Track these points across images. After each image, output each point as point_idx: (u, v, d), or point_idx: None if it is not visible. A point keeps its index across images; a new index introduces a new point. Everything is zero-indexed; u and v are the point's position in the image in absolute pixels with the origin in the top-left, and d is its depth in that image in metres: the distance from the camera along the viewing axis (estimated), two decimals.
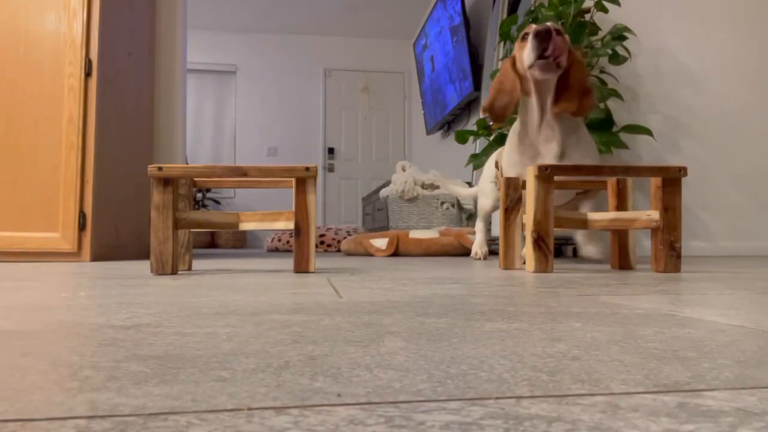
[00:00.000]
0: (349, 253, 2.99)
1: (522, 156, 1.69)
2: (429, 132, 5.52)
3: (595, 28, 2.69)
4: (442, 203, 3.64)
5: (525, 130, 1.68)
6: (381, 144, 6.61)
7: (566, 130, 1.66)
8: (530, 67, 1.57)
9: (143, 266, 1.57)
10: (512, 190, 1.43)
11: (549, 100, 1.64)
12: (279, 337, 0.42)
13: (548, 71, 1.57)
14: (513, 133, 1.74)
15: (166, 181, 1.22)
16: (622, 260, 1.45)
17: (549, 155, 1.65)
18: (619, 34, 2.67)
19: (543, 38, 1.53)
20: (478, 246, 2.27)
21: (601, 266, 1.61)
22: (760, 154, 3.14)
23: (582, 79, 1.63)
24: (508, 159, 1.74)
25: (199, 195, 6.17)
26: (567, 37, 1.62)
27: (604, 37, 2.71)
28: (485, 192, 2.24)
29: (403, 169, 3.78)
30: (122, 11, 2.31)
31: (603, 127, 2.59)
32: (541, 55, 1.54)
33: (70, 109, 2.00)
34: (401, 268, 1.45)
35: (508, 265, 1.42)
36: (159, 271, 1.19)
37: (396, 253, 2.80)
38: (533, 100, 1.65)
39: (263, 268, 1.48)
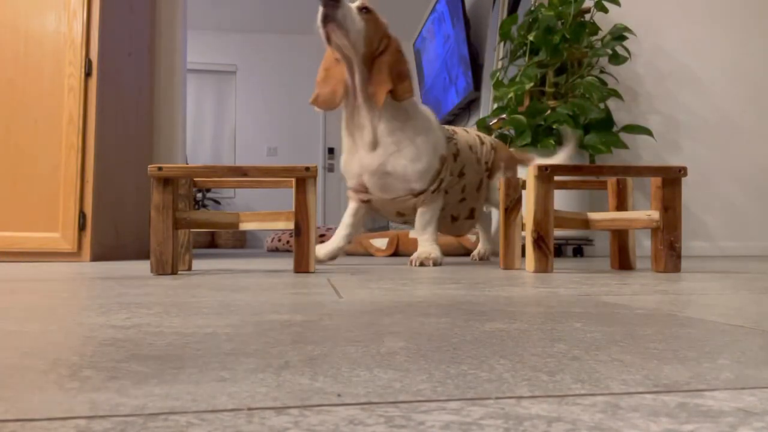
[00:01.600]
0: (349, 253, 2.99)
1: (349, 143, 1.65)
2: None
3: (595, 28, 2.69)
4: None
5: (346, 115, 1.63)
6: None
7: (387, 118, 1.59)
8: (325, 36, 1.50)
9: (143, 266, 1.57)
10: (512, 190, 1.43)
11: (358, 81, 1.56)
12: (279, 337, 0.42)
13: (334, 36, 1.48)
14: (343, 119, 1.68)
15: (166, 181, 1.22)
16: (622, 260, 1.45)
17: (361, 142, 1.60)
18: (619, 34, 2.67)
19: (326, 2, 1.45)
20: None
21: (601, 266, 1.61)
22: (760, 154, 3.14)
23: (396, 62, 1.58)
24: (343, 147, 1.69)
25: (199, 195, 6.17)
26: (381, 17, 1.58)
27: (604, 37, 2.71)
28: None
29: None
30: (122, 11, 2.31)
31: (603, 127, 2.59)
32: (325, 18, 1.47)
33: (70, 109, 2.00)
34: (401, 268, 1.45)
35: (508, 265, 1.42)
36: (159, 271, 1.19)
37: (396, 253, 2.80)
38: (347, 81, 1.58)
39: (263, 268, 1.48)
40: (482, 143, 1.91)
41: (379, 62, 1.57)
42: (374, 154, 1.60)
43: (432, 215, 1.68)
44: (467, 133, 1.88)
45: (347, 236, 1.70)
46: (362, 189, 1.67)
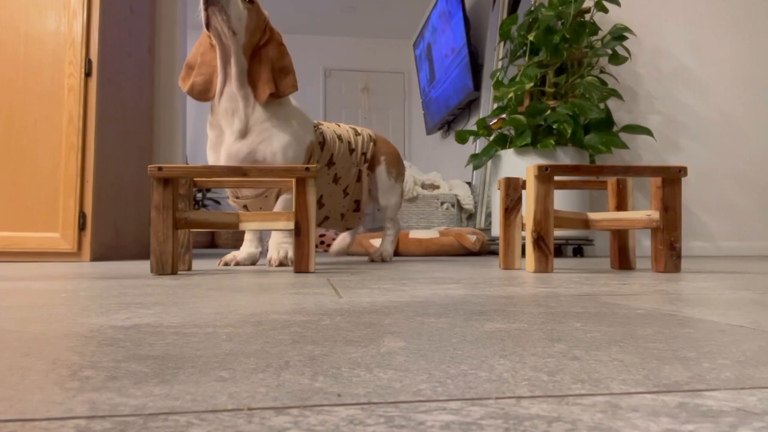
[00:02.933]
0: (349, 253, 2.99)
1: (213, 136, 1.58)
2: (429, 132, 5.52)
3: (595, 28, 2.69)
4: (442, 203, 3.64)
5: (213, 104, 1.57)
6: None
7: (262, 106, 1.56)
8: (205, 20, 1.46)
9: (143, 266, 1.57)
10: (512, 190, 1.43)
11: (234, 71, 1.52)
12: (279, 337, 0.42)
13: (214, 21, 1.45)
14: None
15: (166, 181, 1.22)
16: (622, 260, 1.45)
17: (230, 130, 1.54)
18: (619, 34, 2.67)
19: None
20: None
21: (601, 266, 1.61)
22: (760, 154, 3.14)
23: (280, 56, 1.57)
24: (208, 143, 1.63)
25: (199, 195, 6.17)
26: (263, 10, 1.56)
27: (604, 37, 2.71)
28: None
29: None
30: (122, 11, 2.31)
31: (603, 127, 2.59)
32: (207, 1, 1.44)
33: (70, 109, 2.00)
34: (401, 268, 1.45)
35: (508, 265, 1.42)
36: (159, 271, 1.19)
37: (396, 253, 2.80)
38: (218, 65, 1.53)
39: (263, 268, 1.48)
40: (358, 134, 1.89)
41: (261, 55, 1.55)
42: (243, 141, 1.55)
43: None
44: (339, 126, 1.87)
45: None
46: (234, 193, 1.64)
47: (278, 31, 1.61)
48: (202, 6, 1.45)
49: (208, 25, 1.47)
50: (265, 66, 1.54)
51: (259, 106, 1.56)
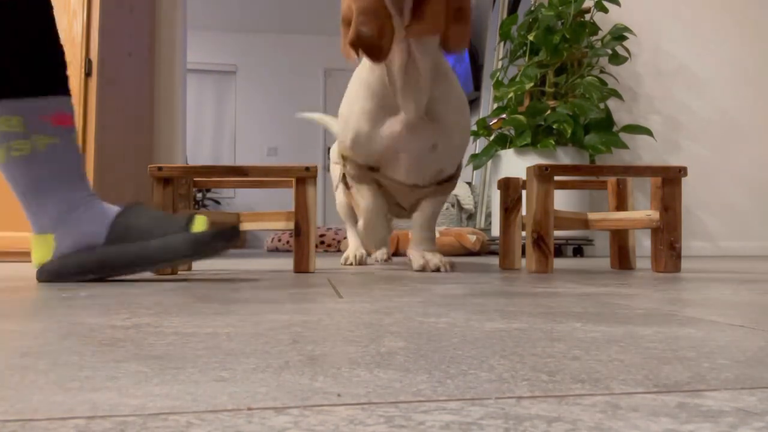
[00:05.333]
0: None
1: (371, 106, 1.17)
2: None
3: (595, 28, 2.69)
4: None
5: (371, 66, 1.15)
6: None
7: (435, 74, 1.14)
8: None
9: None
10: (512, 190, 1.43)
11: (406, 14, 1.02)
12: (279, 337, 0.42)
13: None
14: (358, 81, 1.20)
15: (166, 181, 1.22)
16: (622, 260, 1.45)
17: (405, 102, 1.13)
18: (619, 34, 2.67)
19: None
20: (351, 250, 1.70)
21: (601, 266, 1.61)
22: (760, 154, 3.14)
23: None
24: (349, 121, 1.21)
25: (199, 195, 6.17)
26: None
27: (604, 37, 2.71)
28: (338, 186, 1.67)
29: None
30: (122, 11, 2.31)
31: (603, 127, 2.59)
32: None
33: None
34: (401, 268, 1.45)
35: (508, 265, 1.42)
36: (159, 271, 1.19)
37: (396, 253, 2.80)
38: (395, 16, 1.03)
39: (263, 268, 1.48)
40: None
41: None
42: (423, 123, 1.16)
43: (438, 210, 1.34)
44: None
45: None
46: (375, 170, 1.27)
47: None
48: None
49: None
50: (440, 6, 1.04)
51: (434, 73, 1.13)
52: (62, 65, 1.00)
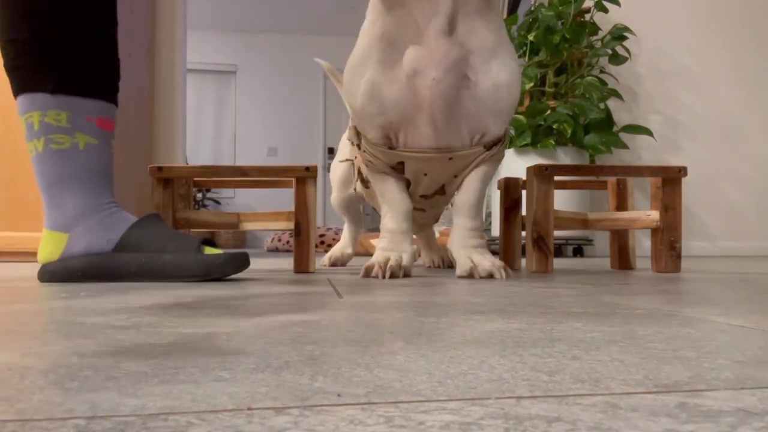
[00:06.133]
0: None
1: (381, 49, 0.99)
2: None
3: (595, 28, 2.69)
4: None
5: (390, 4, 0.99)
6: None
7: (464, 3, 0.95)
8: None
9: None
10: (512, 190, 1.43)
11: None
12: (279, 337, 0.42)
13: None
14: (363, 35, 1.07)
15: (166, 181, 1.22)
16: (622, 260, 1.45)
17: (431, 26, 0.94)
18: (619, 34, 2.67)
19: None
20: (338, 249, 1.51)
21: (601, 266, 1.61)
22: (760, 154, 3.14)
23: None
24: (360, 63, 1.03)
25: (199, 195, 6.17)
26: None
27: (604, 37, 2.71)
28: (333, 177, 1.51)
29: None
30: (122, 11, 2.30)
31: (603, 127, 2.59)
32: None
33: None
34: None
35: (508, 266, 1.42)
36: None
37: None
38: None
39: (263, 267, 1.48)
40: None
41: None
42: (451, 45, 0.94)
43: (484, 189, 1.08)
44: None
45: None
46: (393, 138, 1.02)
47: None
48: None
49: None
50: None
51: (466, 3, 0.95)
52: (117, 76, 1.05)
